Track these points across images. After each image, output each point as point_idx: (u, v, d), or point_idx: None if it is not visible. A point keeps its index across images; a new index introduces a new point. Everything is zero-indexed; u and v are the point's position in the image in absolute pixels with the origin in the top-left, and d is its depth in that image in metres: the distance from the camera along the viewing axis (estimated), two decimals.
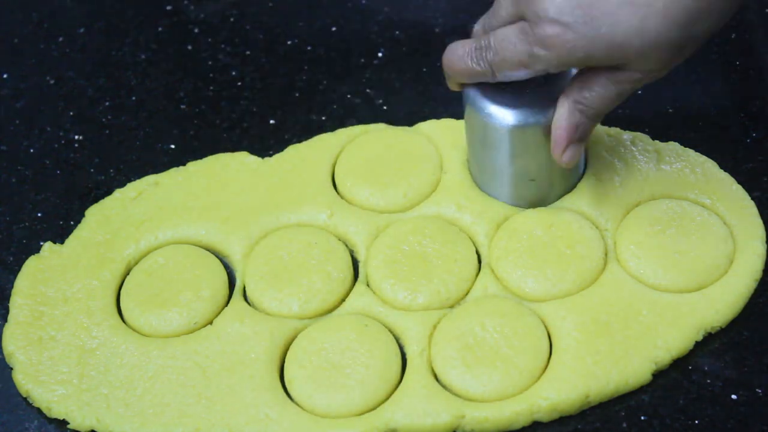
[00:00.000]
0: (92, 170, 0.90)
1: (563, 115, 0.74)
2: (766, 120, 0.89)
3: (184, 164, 0.88)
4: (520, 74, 0.74)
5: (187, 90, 0.96)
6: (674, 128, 0.89)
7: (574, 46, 0.69)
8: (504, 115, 0.77)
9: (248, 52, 0.98)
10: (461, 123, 0.89)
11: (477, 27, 0.77)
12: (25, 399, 0.77)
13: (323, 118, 0.92)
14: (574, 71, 0.75)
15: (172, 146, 0.92)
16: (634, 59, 0.70)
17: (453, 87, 0.80)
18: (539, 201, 0.83)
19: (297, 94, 0.95)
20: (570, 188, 0.83)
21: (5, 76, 0.98)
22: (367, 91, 0.94)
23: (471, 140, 0.82)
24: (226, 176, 0.87)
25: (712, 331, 0.77)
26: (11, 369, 0.78)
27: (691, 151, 0.86)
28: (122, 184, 0.88)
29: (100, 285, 0.82)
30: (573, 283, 0.79)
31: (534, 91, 0.77)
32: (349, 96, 0.94)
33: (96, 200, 0.87)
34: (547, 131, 0.77)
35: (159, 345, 0.78)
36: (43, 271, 0.83)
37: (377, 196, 0.85)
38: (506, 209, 0.83)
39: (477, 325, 0.77)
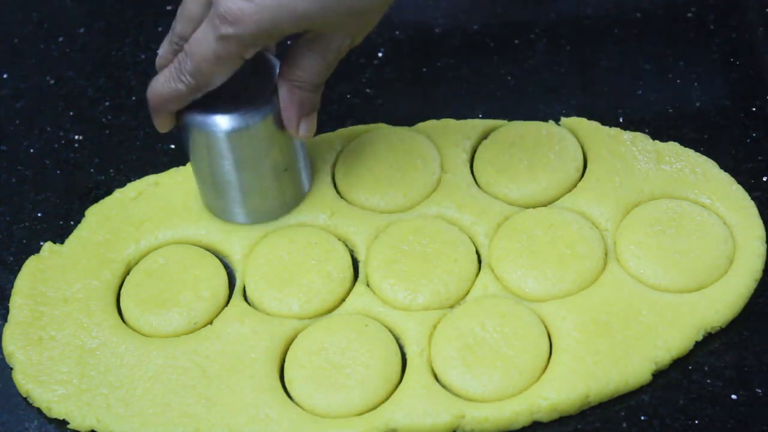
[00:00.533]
0: (92, 170, 0.90)
1: (284, 96, 0.77)
2: (766, 120, 0.89)
3: (184, 164, 0.88)
4: (224, 70, 0.74)
5: None
6: (674, 128, 0.89)
7: (260, 18, 0.70)
8: (236, 122, 0.77)
9: None
10: (461, 123, 0.89)
11: (161, 52, 0.77)
12: (25, 399, 0.77)
13: (323, 118, 0.92)
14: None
15: (172, 146, 0.92)
16: (322, 25, 0.72)
17: (164, 126, 0.78)
18: (300, 191, 0.84)
19: None
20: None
21: (5, 76, 0.98)
22: (367, 91, 0.94)
23: (215, 165, 0.80)
24: None
25: (712, 331, 0.77)
26: (11, 369, 0.78)
27: (691, 151, 0.86)
28: (122, 184, 0.88)
29: (100, 285, 0.82)
30: (573, 283, 0.79)
31: (250, 90, 0.78)
32: (349, 96, 0.94)
33: (96, 200, 0.87)
34: (276, 120, 0.78)
35: (159, 345, 0.78)
36: (43, 271, 0.83)
37: (377, 196, 0.85)
38: (506, 209, 0.83)
39: (477, 325, 0.77)
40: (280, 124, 0.78)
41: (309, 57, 0.75)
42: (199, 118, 0.77)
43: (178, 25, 0.75)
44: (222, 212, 0.83)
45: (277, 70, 0.78)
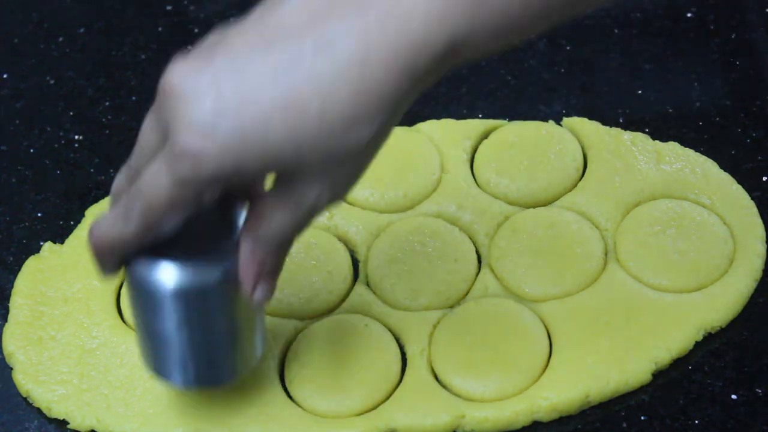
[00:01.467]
0: (92, 170, 0.90)
1: (245, 252, 0.64)
2: (766, 120, 0.89)
3: None
4: (178, 215, 0.61)
5: None
6: (674, 128, 0.89)
7: (223, 158, 0.58)
8: (186, 278, 0.64)
9: None
10: (461, 123, 0.89)
11: (116, 182, 0.65)
12: (25, 399, 0.77)
13: None
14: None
15: None
16: (295, 168, 0.60)
17: (111, 271, 0.65)
18: (253, 355, 0.71)
19: None
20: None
21: (5, 76, 0.98)
22: None
23: (155, 322, 0.67)
24: None
25: (712, 331, 0.77)
26: (11, 369, 0.78)
27: (691, 151, 0.86)
28: None
29: (100, 285, 0.82)
30: (573, 283, 0.79)
31: (208, 242, 0.65)
32: None
33: (96, 200, 0.87)
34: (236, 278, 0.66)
35: None
36: (43, 271, 0.83)
37: (377, 196, 0.85)
38: (506, 209, 0.83)
39: (477, 325, 0.77)
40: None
41: (278, 211, 0.63)
42: (141, 267, 0.65)
43: (134, 156, 0.64)
44: (158, 370, 0.71)
45: (243, 217, 0.65)
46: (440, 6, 0.57)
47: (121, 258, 0.65)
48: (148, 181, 0.61)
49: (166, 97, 0.59)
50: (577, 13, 0.62)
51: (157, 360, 0.70)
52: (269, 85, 0.57)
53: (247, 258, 0.65)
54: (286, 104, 0.57)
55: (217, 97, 0.58)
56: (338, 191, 0.63)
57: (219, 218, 0.65)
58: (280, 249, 0.66)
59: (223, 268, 0.65)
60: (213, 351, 0.69)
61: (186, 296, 0.65)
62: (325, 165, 0.60)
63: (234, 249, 0.65)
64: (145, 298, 0.66)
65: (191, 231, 0.64)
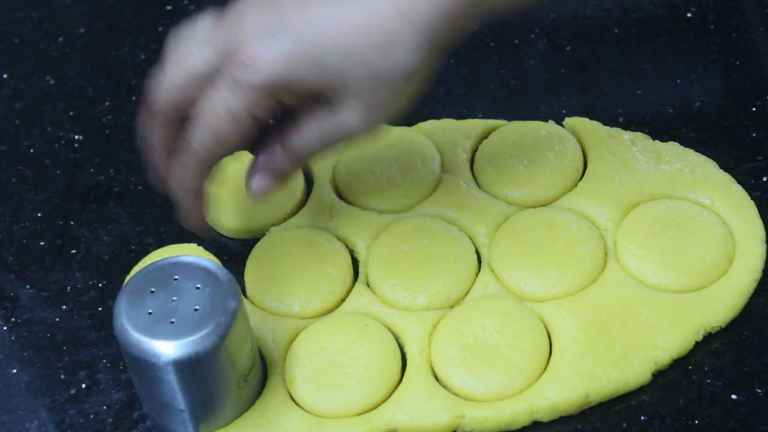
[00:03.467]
0: (92, 170, 0.90)
1: (263, 145, 0.72)
2: (766, 120, 0.89)
3: None
4: (235, 135, 0.68)
5: None
6: (674, 128, 0.89)
7: (278, 65, 0.66)
8: (183, 349, 0.69)
9: None
10: (461, 123, 0.89)
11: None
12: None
13: None
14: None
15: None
16: (338, 80, 0.67)
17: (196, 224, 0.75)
18: (255, 393, 0.76)
19: None
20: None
21: (5, 76, 0.98)
22: None
23: (156, 388, 0.72)
24: (225, 176, 0.87)
25: (712, 331, 0.77)
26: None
27: (691, 151, 0.86)
28: (122, 184, 0.88)
29: None
30: (573, 283, 0.79)
31: (191, 318, 0.70)
32: None
33: (96, 200, 0.87)
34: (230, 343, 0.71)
35: None
36: None
37: (377, 196, 0.85)
38: (506, 209, 0.83)
39: (477, 325, 0.77)
40: (234, 346, 0.71)
41: (313, 124, 0.70)
42: (140, 343, 0.69)
43: (174, 79, 0.70)
44: (161, 423, 0.75)
45: (233, 288, 0.71)
46: None
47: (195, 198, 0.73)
48: (208, 103, 0.68)
49: (233, 22, 0.68)
50: None
51: (158, 415, 0.74)
52: (324, 14, 0.67)
53: (267, 155, 0.71)
54: (337, 19, 0.66)
55: (279, 21, 0.67)
56: (373, 119, 0.69)
57: (209, 299, 0.70)
58: (299, 159, 0.72)
59: (214, 339, 0.70)
60: (208, 406, 0.73)
61: (183, 366, 0.70)
62: (367, 84, 0.67)
63: (222, 320, 0.70)
64: (144, 367, 0.70)
65: (185, 311, 0.70)
